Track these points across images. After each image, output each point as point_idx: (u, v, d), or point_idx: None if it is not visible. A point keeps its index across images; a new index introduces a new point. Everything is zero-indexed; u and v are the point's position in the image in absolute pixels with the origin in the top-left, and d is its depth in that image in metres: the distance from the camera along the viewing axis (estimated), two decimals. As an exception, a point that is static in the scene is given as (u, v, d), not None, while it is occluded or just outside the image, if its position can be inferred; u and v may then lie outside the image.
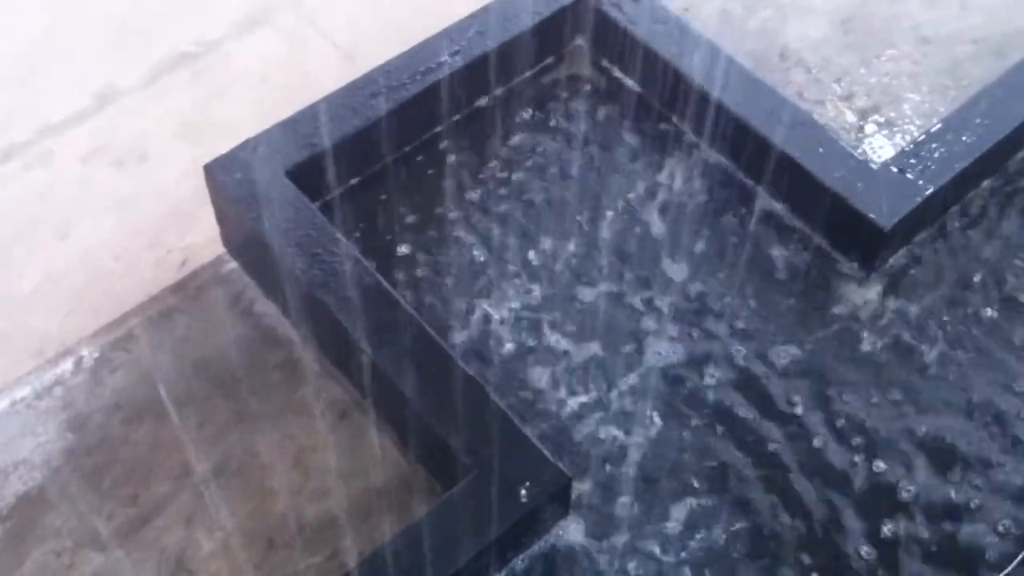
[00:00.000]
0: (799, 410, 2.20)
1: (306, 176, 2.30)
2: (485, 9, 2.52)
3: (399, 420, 2.14)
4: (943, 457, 2.16)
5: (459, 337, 2.26)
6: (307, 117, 2.35)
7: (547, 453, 2.00)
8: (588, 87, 2.61)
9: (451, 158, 2.49)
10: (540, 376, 2.23)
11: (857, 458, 2.14)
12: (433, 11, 2.58)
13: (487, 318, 2.29)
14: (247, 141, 2.32)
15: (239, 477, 2.17)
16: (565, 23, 2.59)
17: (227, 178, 2.27)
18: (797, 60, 2.75)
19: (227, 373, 2.28)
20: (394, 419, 2.16)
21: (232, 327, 2.33)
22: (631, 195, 2.47)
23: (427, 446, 2.09)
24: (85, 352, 2.28)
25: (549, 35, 2.57)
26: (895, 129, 2.60)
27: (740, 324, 2.30)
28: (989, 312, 2.33)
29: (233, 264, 2.39)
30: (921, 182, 2.34)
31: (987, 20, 2.81)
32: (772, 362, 2.25)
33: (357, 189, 2.42)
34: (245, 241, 2.32)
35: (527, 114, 2.56)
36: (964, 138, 2.41)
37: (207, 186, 2.32)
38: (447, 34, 2.49)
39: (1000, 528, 2.09)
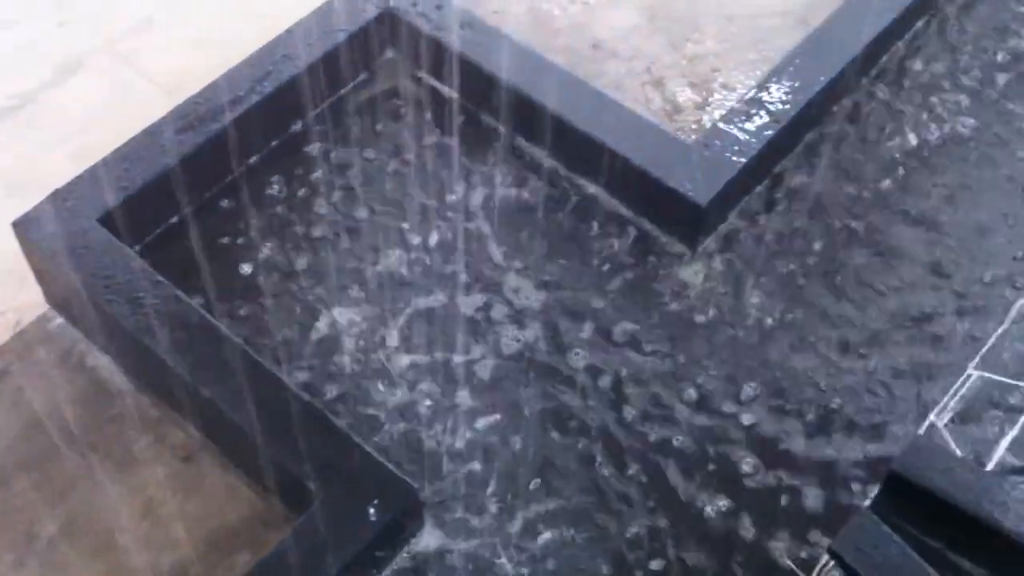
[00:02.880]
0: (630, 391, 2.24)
1: (121, 221, 2.26)
2: (290, 31, 2.51)
3: (243, 455, 2.11)
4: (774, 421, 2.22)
5: (295, 363, 2.24)
6: (116, 161, 2.31)
7: (392, 467, 2.00)
8: (405, 99, 2.61)
9: (272, 186, 2.47)
10: (382, 389, 2.22)
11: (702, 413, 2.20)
12: (257, 40, 2.55)
13: (322, 341, 2.27)
14: (56, 192, 2.26)
15: (88, 536, 2.11)
16: (374, 37, 2.59)
17: (38, 233, 2.22)
18: (609, 51, 2.79)
19: (65, 430, 2.22)
20: (238, 455, 2.13)
21: (65, 383, 2.28)
22: (456, 200, 2.48)
23: (274, 477, 2.06)
24: (-84, 425, 2.21)
25: (359, 51, 2.57)
26: (707, 107, 2.66)
27: (581, 311, 2.33)
28: (808, 279, 2.40)
29: (60, 319, 2.34)
30: (733, 156, 2.39)
31: (786, -7, 2.91)
32: (610, 353, 2.29)
33: (177, 228, 2.38)
34: (66, 295, 2.26)
35: (345, 133, 2.55)
36: (771, 107, 2.48)
37: (19, 243, 2.26)
38: (253, 60, 2.47)
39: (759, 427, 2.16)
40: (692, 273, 2.39)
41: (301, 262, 2.38)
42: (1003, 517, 1.85)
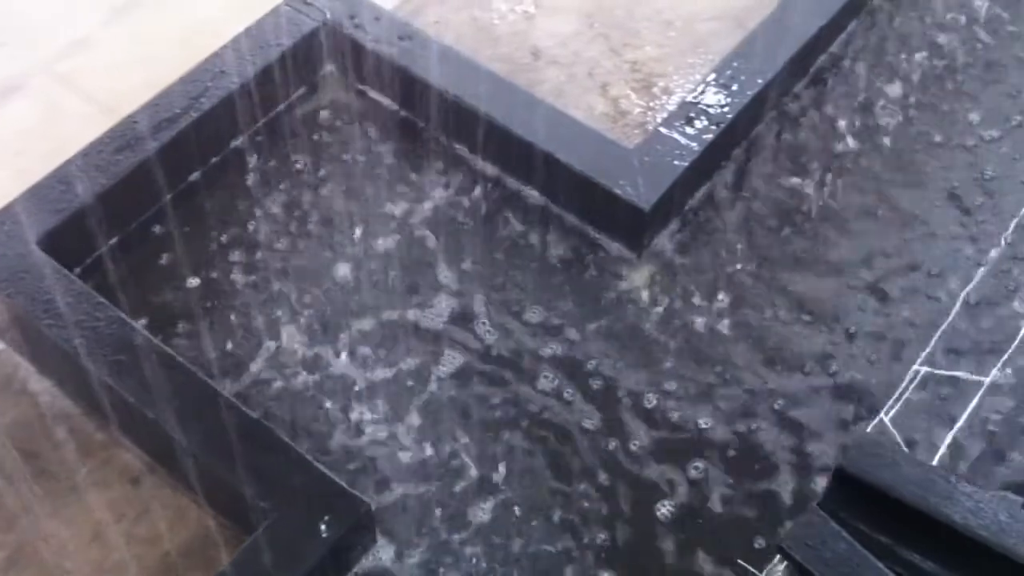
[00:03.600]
0: (595, 395, 2.24)
1: (60, 243, 2.23)
2: (226, 48, 2.49)
3: (192, 476, 2.09)
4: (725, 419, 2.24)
5: (241, 381, 2.22)
6: (53, 183, 2.28)
7: (342, 483, 1.98)
8: (345, 112, 2.60)
9: (212, 203, 2.45)
10: (329, 405, 2.21)
11: (647, 423, 2.20)
12: (194, 58, 2.52)
13: (266, 358, 2.26)
14: (-8, 216, 2.24)
15: (36, 565, 2.08)
16: (311, 51, 2.58)
17: (-26, 258, 2.19)
18: (550, 58, 2.80)
19: (9, 458, 2.18)
20: (187, 476, 2.10)
21: (9, 409, 2.24)
22: (400, 211, 2.47)
23: (223, 497, 2.05)
24: None
25: (297, 65, 2.55)
26: (649, 112, 2.67)
27: (530, 319, 2.33)
28: (750, 281, 2.41)
29: (2, 345, 2.30)
30: (675, 160, 2.41)
31: (724, -4, 2.93)
32: (564, 353, 2.29)
33: (117, 249, 2.35)
34: (7, 320, 2.23)
35: (285, 148, 2.54)
36: (711, 110, 2.49)
37: (-44, 270, 2.23)
38: (190, 78, 2.45)
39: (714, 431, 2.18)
40: (638, 278, 2.40)
41: (244, 279, 2.36)
42: (949, 510, 1.87)
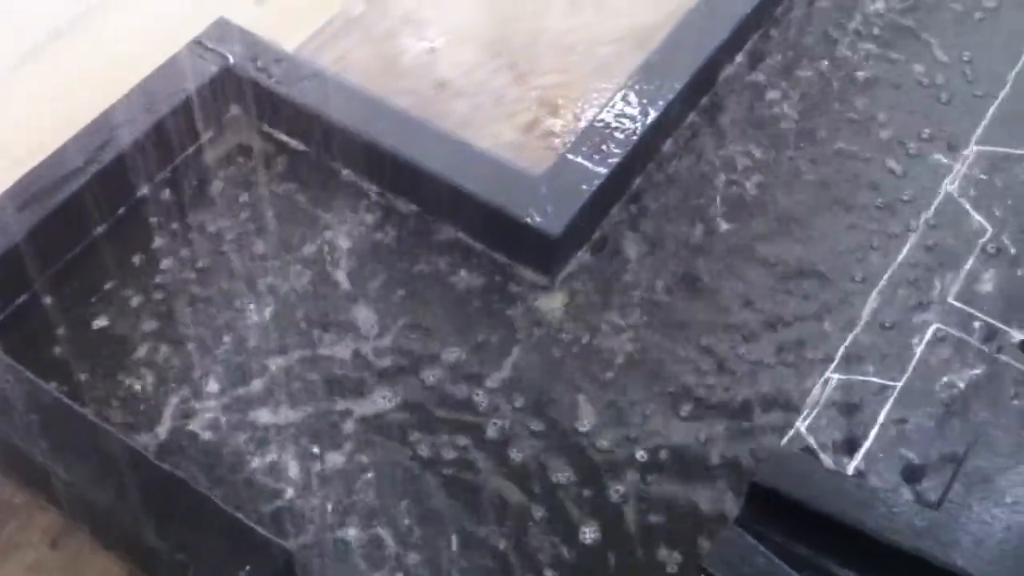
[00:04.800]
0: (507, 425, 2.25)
1: (-36, 305, 2.21)
2: (129, 96, 2.48)
3: (112, 534, 2.07)
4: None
5: (155, 434, 2.20)
6: (-44, 244, 2.25)
7: (262, 531, 1.97)
8: (253, 154, 2.60)
9: (123, 254, 2.43)
10: (247, 451, 2.19)
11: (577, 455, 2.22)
12: (99, 107, 2.50)
13: (181, 408, 2.24)
14: None
15: (-45, 633, 2.05)
16: (216, 95, 2.57)
17: None
18: (455, 89, 2.82)
19: (-77, 526, 2.15)
20: (108, 534, 2.08)
21: (-79, 478, 2.20)
22: (312, 250, 2.46)
23: (143, 553, 2.02)
24: None
25: (201, 110, 2.54)
26: (556, 138, 2.69)
27: (445, 350, 2.33)
28: (660, 302, 2.44)
29: (-89, 411, 2.26)
30: (582, 184, 2.43)
31: (624, 18, 2.96)
32: (485, 386, 2.30)
33: (26, 306, 2.32)
34: (-86, 386, 2.19)
35: (194, 193, 2.52)
36: (615, 133, 2.52)
37: None
38: (94, 128, 2.43)
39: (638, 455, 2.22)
40: (552, 303, 2.42)
41: (158, 328, 2.34)
42: (864, 517, 1.91)
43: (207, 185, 2.55)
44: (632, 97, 2.60)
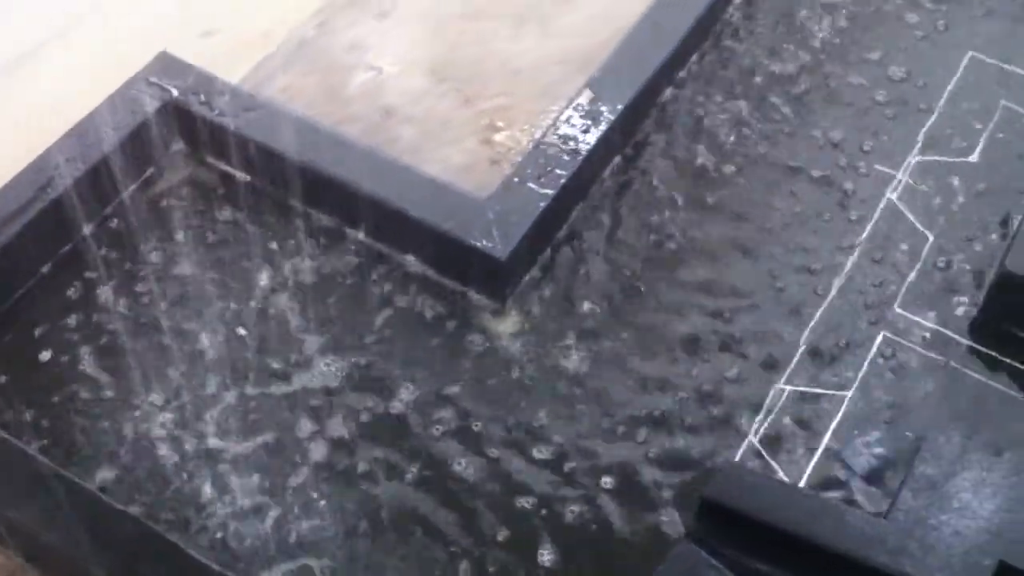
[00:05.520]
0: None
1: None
2: (70, 134, 2.47)
3: (64, 572, 2.05)
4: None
5: (106, 472, 2.18)
6: None
7: (219, 568, 1.95)
8: (198, 188, 2.59)
9: (68, 294, 2.41)
10: (202, 489, 2.18)
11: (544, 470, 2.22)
12: (39, 148, 2.49)
13: (132, 446, 2.22)
14: None
15: None
16: (160, 130, 2.56)
17: None
18: (403, 116, 2.82)
19: None
20: (59, 573, 2.06)
21: None
22: (262, 282, 2.46)
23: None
24: None
25: (144, 146, 2.53)
26: (503, 161, 2.71)
27: (398, 383, 2.33)
28: (611, 321, 2.44)
29: None
30: (529, 206, 2.44)
31: (568, 41, 2.99)
32: (436, 418, 2.29)
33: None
34: None
35: (139, 229, 2.51)
36: (560, 155, 2.53)
37: None
38: (35, 168, 2.41)
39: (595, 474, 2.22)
40: (503, 327, 2.42)
41: (106, 367, 2.32)
42: (816, 529, 1.92)
43: (153, 220, 2.53)
44: (576, 119, 2.61)
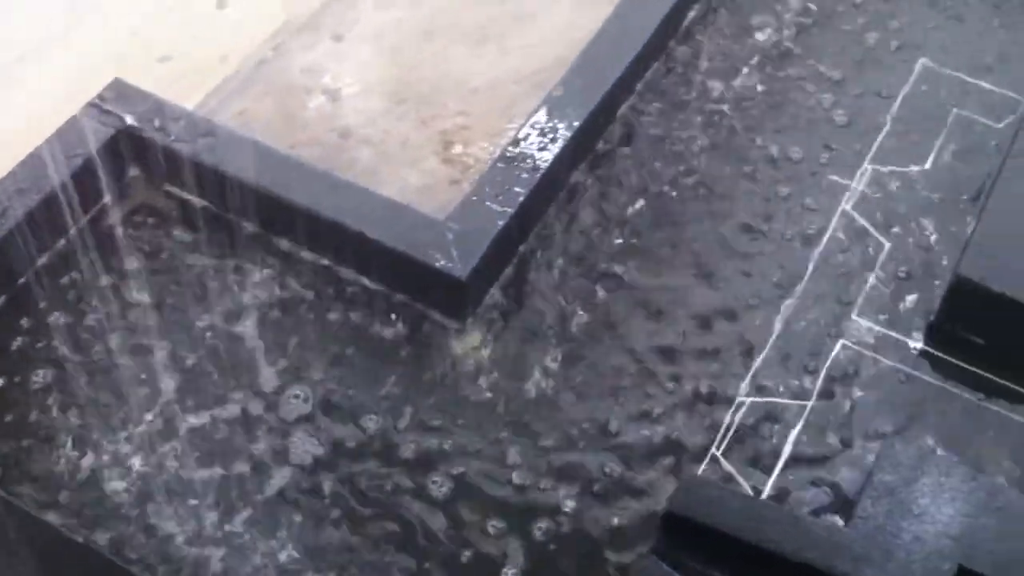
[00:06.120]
0: (437, 480, 2.25)
1: None
2: (23, 164, 2.45)
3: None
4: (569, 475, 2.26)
5: (65, 508, 2.15)
6: None
7: (177, 595, 1.95)
8: (156, 215, 2.58)
9: (24, 325, 2.39)
10: (165, 520, 2.16)
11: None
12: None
13: (90, 480, 2.20)
14: None
15: None
16: (115, 158, 2.55)
17: None
18: (360, 137, 2.83)
19: None
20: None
21: None
22: (222, 309, 2.45)
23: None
24: None
25: (100, 174, 2.52)
26: (462, 181, 2.72)
27: (362, 406, 2.33)
28: (580, 335, 2.45)
29: None
30: (487, 225, 2.45)
31: (525, 59, 3.01)
32: (399, 441, 2.29)
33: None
34: None
35: (97, 258, 2.49)
36: (518, 173, 2.54)
37: None
38: (-14, 199, 2.40)
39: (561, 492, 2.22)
40: (466, 347, 2.42)
41: (64, 398, 2.30)
42: (779, 540, 1.93)
43: (109, 248, 2.52)
44: (534, 136, 2.62)
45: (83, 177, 2.49)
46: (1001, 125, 2.81)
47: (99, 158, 2.51)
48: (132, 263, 2.51)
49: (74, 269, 2.48)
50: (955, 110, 2.84)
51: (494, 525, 2.18)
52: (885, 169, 2.73)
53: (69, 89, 2.67)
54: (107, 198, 2.57)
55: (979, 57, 2.97)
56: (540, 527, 2.18)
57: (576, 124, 2.65)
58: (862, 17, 3.06)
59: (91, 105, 2.56)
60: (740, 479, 2.25)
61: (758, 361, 2.42)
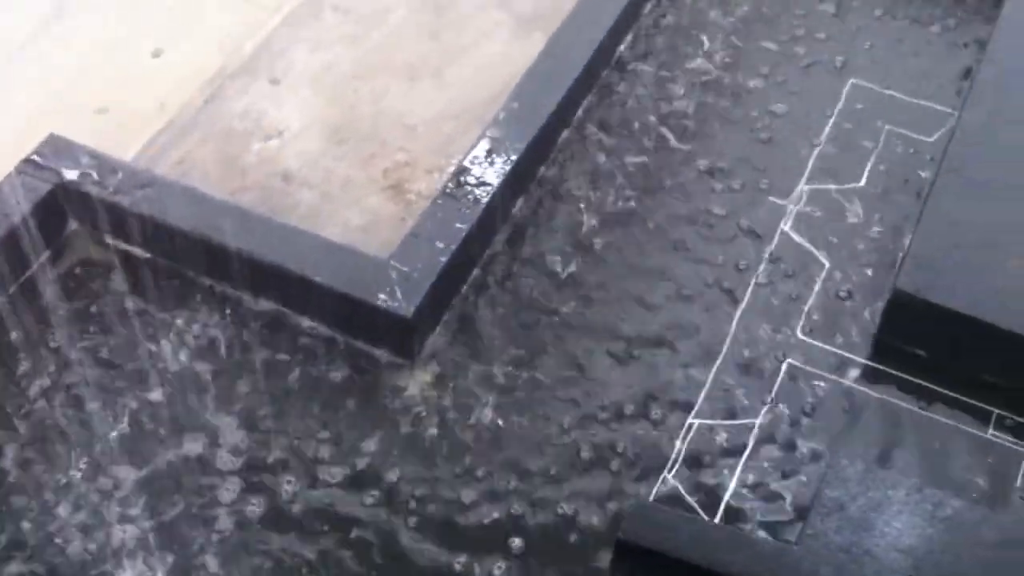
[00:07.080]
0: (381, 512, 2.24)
1: None
2: (-40, 223, 2.44)
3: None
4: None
5: (17, 559, 2.14)
6: None
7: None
8: (97, 267, 2.56)
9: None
10: (110, 567, 2.14)
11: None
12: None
13: (39, 531, 2.18)
14: None
15: None
16: (52, 213, 2.54)
17: None
18: (301, 180, 2.83)
19: None
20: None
21: None
22: (166, 358, 2.43)
23: None
24: None
25: (38, 229, 2.50)
26: (404, 218, 2.71)
27: (312, 448, 2.32)
28: (517, 371, 2.46)
29: None
30: (430, 262, 2.45)
31: (461, 94, 3.02)
32: (351, 480, 2.28)
33: None
34: None
35: (40, 313, 2.47)
36: (459, 208, 2.56)
37: None
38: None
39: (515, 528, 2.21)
40: (413, 384, 2.42)
41: (12, 452, 2.28)
42: (730, 561, 1.95)
43: (51, 303, 2.50)
44: (475, 170, 2.64)
45: (19, 235, 2.47)
46: (932, 139, 2.87)
47: (35, 215, 2.49)
48: (73, 317, 2.48)
49: (15, 327, 2.45)
50: (886, 126, 2.90)
51: (447, 563, 2.17)
52: (821, 188, 2.77)
53: (8, 144, 2.65)
54: (47, 254, 2.54)
55: (907, 73, 3.03)
56: (500, 565, 2.17)
57: (515, 157, 2.67)
58: (792, 40, 3.11)
59: (25, 162, 2.54)
60: (691, 501, 2.26)
61: (705, 385, 2.44)
